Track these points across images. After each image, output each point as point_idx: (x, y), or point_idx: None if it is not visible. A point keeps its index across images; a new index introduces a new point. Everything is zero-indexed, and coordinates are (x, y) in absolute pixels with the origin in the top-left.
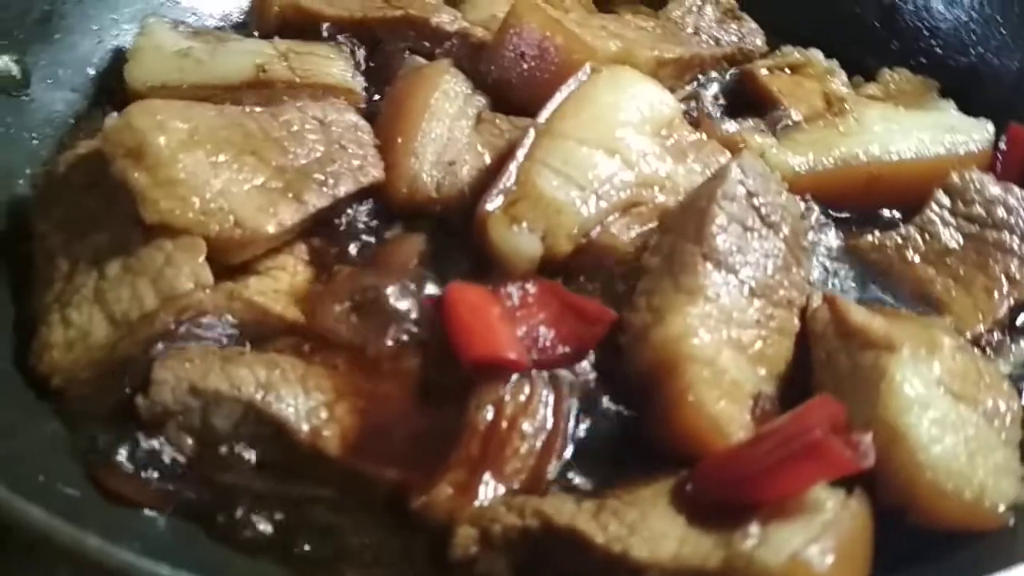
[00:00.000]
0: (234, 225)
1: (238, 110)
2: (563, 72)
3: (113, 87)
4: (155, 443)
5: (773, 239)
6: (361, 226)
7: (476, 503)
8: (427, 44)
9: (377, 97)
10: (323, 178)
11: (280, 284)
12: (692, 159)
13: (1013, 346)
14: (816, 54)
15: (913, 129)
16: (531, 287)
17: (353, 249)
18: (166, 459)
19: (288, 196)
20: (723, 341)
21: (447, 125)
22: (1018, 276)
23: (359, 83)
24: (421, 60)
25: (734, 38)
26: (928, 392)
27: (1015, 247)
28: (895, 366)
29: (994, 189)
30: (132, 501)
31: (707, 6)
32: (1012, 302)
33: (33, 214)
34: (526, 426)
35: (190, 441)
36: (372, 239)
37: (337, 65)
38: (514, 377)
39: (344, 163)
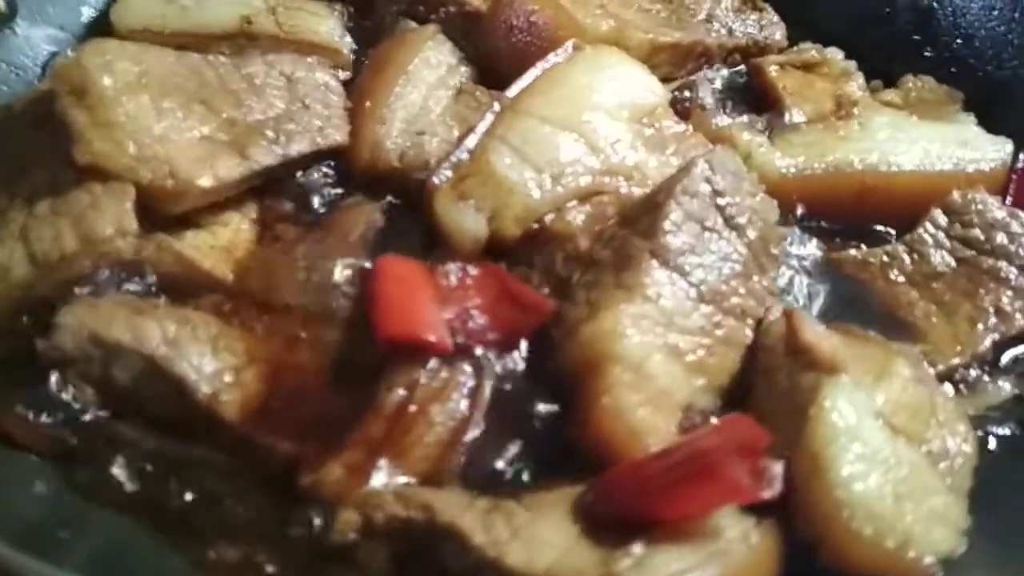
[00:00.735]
0: (167, 175)
1: (199, 58)
2: (550, 48)
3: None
4: (54, 389)
5: (735, 242)
6: (319, 190)
7: (367, 488)
8: (422, 9)
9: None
10: (275, 135)
11: (218, 240)
12: (671, 151)
13: (991, 385)
14: (835, 54)
15: (920, 140)
16: (472, 269)
17: (305, 213)
18: (63, 406)
19: (231, 150)
20: (656, 345)
21: (422, 93)
22: (1008, 309)
23: (347, 44)
24: (414, 25)
25: (751, 29)
26: (860, 423)
27: (1011, 277)
28: (828, 391)
29: (998, 213)
30: (21, 444)
31: None
32: (997, 337)
33: None
34: (436, 414)
35: (89, 390)
36: (328, 204)
37: (326, 24)
38: (434, 360)
39: (303, 122)
